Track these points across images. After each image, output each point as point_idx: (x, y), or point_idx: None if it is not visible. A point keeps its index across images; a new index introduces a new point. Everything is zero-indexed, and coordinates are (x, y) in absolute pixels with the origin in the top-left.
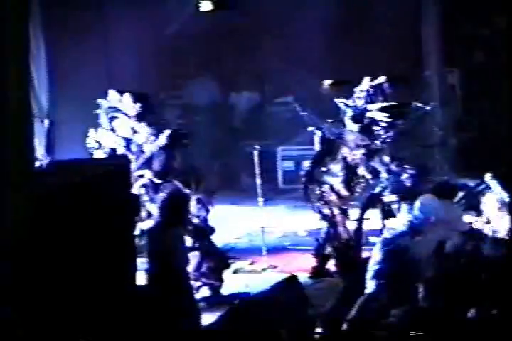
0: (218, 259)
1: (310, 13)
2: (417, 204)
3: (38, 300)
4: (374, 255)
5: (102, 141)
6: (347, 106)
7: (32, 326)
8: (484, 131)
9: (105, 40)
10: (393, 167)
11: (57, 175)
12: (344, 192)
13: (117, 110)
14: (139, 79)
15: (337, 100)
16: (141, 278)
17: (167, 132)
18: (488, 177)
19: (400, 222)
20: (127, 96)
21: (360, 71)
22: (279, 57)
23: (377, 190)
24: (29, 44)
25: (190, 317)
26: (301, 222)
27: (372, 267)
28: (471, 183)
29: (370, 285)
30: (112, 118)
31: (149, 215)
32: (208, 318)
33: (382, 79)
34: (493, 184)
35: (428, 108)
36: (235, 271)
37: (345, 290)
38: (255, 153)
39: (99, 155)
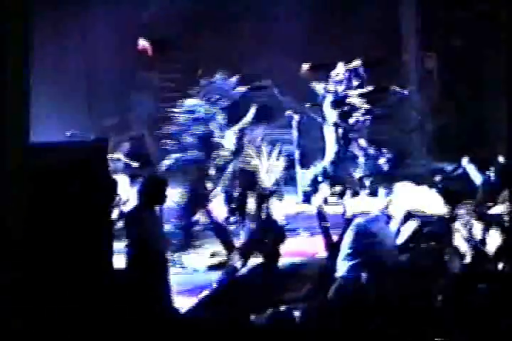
0: None
1: None
2: (395, 192)
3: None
4: (347, 238)
5: None
6: (327, 91)
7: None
8: (462, 116)
9: (83, 26)
10: (371, 151)
11: (31, 157)
12: None
13: None
14: (116, 62)
15: (317, 85)
16: (119, 262)
17: None
18: (465, 161)
19: (375, 206)
20: None
21: (338, 55)
22: (258, 40)
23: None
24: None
25: (164, 300)
26: (280, 206)
27: (345, 250)
28: (449, 167)
29: (342, 267)
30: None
31: (129, 199)
32: (185, 302)
33: (357, 62)
34: (470, 168)
35: (406, 92)
36: (213, 255)
37: (320, 273)
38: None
39: None
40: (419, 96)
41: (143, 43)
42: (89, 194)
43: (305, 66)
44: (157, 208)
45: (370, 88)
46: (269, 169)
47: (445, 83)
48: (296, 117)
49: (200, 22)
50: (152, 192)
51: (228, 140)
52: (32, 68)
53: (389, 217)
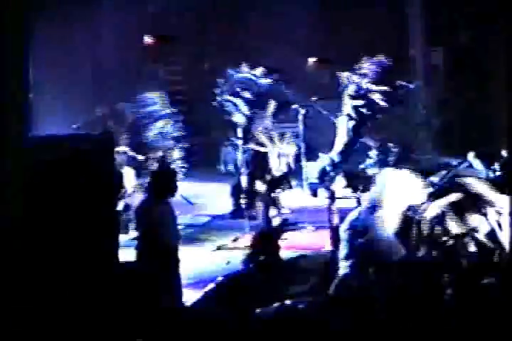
0: None
1: None
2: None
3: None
4: (341, 236)
5: None
6: (350, 81)
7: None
8: (467, 110)
9: (88, 19)
10: (378, 144)
11: (38, 150)
12: None
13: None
14: (124, 55)
15: (343, 73)
16: (125, 254)
17: None
18: (471, 156)
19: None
20: None
21: (345, 49)
22: (265, 34)
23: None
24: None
25: (174, 292)
26: (285, 199)
27: (342, 248)
28: (454, 162)
29: (343, 266)
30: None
31: (135, 191)
32: (191, 295)
33: (381, 57)
34: (476, 163)
35: (412, 87)
36: (218, 248)
37: (326, 267)
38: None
39: None
40: (425, 91)
41: (149, 40)
42: (94, 186)
43: (311, 60)
44: (167, 200)
45: (388, 89)
46: (279, 156)
47: (451, 78)
48: (302, 111)
49: (207, 15)
50: (161, 184)
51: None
52: (32, 62)
53: (374, 207)
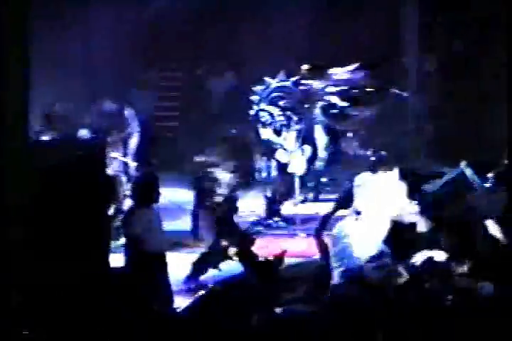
0: None
1: None
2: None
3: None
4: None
5: None
6: (324, 90)
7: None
8: (461, 118)
9: (84, 23)
10: (365, 152)
11: (32, 155)
12: None
13: None
14: (117, 61)
15: (314, 83)
16: (117, 260)
17: None
18: (463, 164)
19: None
20: None
21: (338, 56)
22: (258, 40)
23: None
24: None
25: (164, 298)
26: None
27: (333, 257)
28: (446, 170)
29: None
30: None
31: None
32: (182, 301)
33: (357, 64)
34: (469, 171)
35: (405, 94)
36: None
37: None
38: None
39: None
40: (417, 99)
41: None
42: (87, 192)
43: (305, 66)
44: (153, 206)
45: (368, 90)
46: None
47: (444, 85)
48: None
49: (202, 20)
50: (144, 190)
51: (289, 141)
52: (31, 66)
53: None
